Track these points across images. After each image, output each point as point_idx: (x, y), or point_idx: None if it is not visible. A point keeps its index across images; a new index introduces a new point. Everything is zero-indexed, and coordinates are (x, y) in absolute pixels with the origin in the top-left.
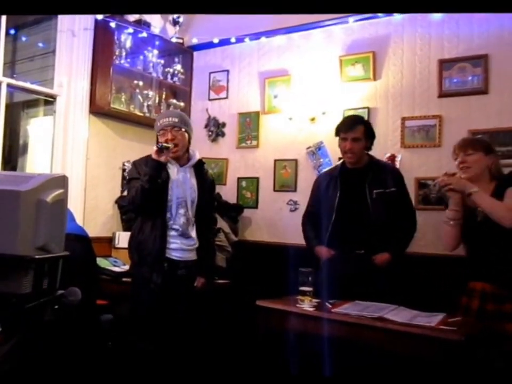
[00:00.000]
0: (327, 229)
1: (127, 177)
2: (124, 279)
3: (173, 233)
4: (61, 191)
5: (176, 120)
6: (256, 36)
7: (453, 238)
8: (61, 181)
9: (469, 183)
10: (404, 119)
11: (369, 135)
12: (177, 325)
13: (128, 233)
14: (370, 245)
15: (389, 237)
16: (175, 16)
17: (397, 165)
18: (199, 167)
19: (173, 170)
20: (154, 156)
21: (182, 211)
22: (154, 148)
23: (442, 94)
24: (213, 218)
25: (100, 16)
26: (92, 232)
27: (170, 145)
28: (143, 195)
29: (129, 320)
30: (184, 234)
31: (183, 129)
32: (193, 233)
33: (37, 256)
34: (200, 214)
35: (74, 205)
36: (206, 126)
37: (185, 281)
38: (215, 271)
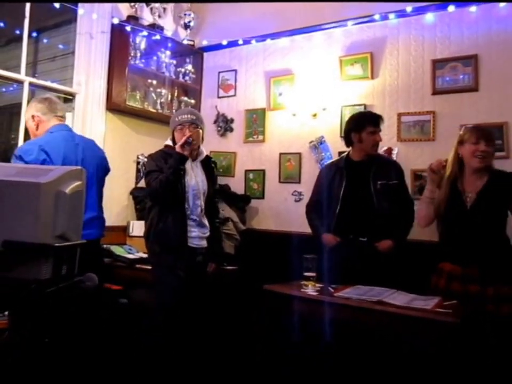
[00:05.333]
0: (333, 217)
1: (146, 170)
2: (138, 266)
3: (191, 222)
4: (79, 182)
5: (195, 117)
6: (262, 38)
7: (427, 215)
8: (79, 173)
9: None
10: (399, 114)
11: None
12: (197, 309)
13: (142, 222)
14: (373, 232)
15: (390, 225)
16: (187, 20)
17: (394, 157)
18: (207, 162)
19: (187, 165)
20: (178, 150)
21: (198, 202)
22: (181, 144)
23: (435, 92)
24: (217, 208)
25: (116, 20)
26: (108, 221)
27: (194, 141)
28: (167, 186)
29: (156, 308)
30: (200, 223)
31: (199, 127)
32: (206, 222)
33: (56, 244)
34: (208, 204)
35: None
36: (215, 122)
37: (202, 267)
38: (223, 257)
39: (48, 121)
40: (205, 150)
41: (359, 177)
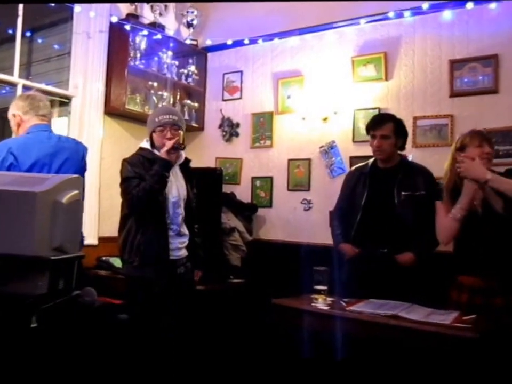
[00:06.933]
0: (353, 226)
1: (122, 177)
2: None
3: (171, 233)
4: (76, 192)
5: (176, 118)
6: (269, 37)
7: (452, 232)
8: (76, 182)
9: (484, 168)
10: (415, 118)
11: (399, 133)
12: (182, 322)
13: None
14: (393, 244)
15: (414, 238)
16: (189, 18)
17: None
18: (186, 166)
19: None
20: (164, 156)
21: (178, 210)
22: (168, 148)
23: (453, 94)
24: (196, 213)
25: (114, 19)
26: (107, 231)
27: (182, 145)
28: (151, 195)
29: (129, 323)
30: (179, 233)
31: (181, 129)
32: (185, 231)
33: (53, 257)
34: (188, 210)
35: (90, 205)
36: (220, 126)
37: (185, 278)
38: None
39: (29, 121)
40: (183, 152)
41: (383, 185)
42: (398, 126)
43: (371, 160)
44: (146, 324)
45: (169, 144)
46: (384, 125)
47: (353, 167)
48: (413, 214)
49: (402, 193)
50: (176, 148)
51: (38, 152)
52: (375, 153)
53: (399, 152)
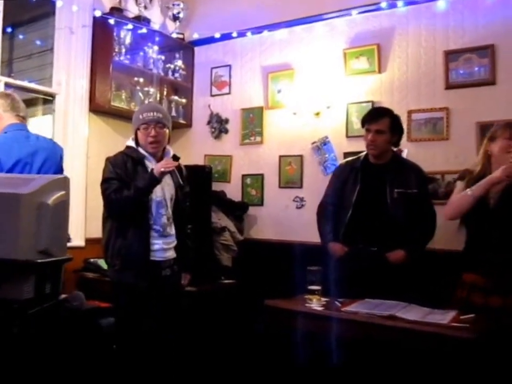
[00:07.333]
0: (343, 223)
1: (104, 177)
2: None
3: (154, 234)
4: (62, 192)
5: (161, 115)
6: (257, 30)
7: (462, 209)
8: (62, 183)
9: None
10: (410, 112)
11: (395, 129)
12: (169, 325)
13: None
14: (384, 242)
15: (405, 236)
16: (175, 11)
17: None
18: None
19: (150, 169)
20: (158, 175)
21: (162, 211)
22: (164, 169)
23: (448, 86)
24: (189, 212)
25: (98, 13)
26: (94, 233)
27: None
28: (134, 205)
29: (115, 329)
30: (164, 234)
31: (166, 127)
32: (172, 231)
33: (38, 260)
34: (177, 210)
35: (76, 206)
36: (209, 123)
37: (170, 281)
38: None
39: (7, 120)
40: (171, 149)
41: (375, 182)
42: (394, 122)
43: (362, 154)
44: (128, 328)
45: (169, 166)
46: (380, 120)
47: (343, 161)
48: (404, 211)
49: (395, 190)
50: (169, 172)
51: (19, 152)
52: (369, 147)
53: (392, 147)
